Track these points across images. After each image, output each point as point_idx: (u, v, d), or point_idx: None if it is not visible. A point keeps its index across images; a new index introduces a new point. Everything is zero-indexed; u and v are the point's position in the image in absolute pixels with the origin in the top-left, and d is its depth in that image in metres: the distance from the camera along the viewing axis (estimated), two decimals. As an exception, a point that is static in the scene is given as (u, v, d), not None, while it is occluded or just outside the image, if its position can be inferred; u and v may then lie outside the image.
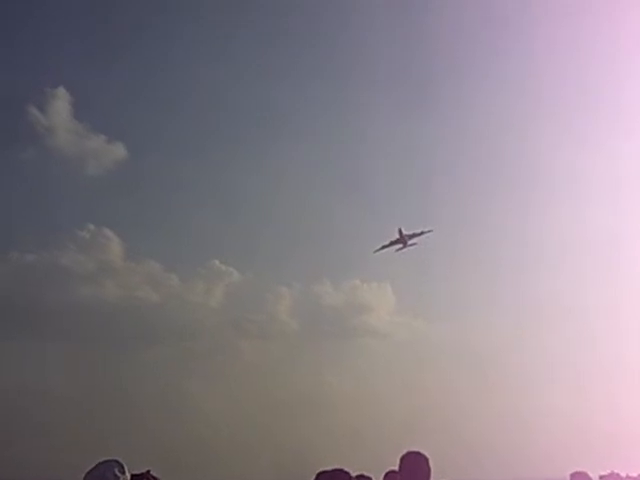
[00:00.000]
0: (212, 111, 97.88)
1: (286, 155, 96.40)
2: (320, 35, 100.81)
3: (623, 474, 15.24)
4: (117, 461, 8.83)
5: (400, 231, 55.37)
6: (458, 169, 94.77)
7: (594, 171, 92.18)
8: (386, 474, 11.23)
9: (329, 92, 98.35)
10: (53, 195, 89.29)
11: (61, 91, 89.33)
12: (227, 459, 73.23)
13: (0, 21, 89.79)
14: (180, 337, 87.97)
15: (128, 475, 8.70)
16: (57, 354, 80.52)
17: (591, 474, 12.73)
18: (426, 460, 10.02)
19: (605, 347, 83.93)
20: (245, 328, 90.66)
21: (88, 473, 8.65)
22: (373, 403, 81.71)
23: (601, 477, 15.08)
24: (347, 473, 9.26)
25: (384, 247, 56.36)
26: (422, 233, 56.05)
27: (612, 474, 15.22)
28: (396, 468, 10.15)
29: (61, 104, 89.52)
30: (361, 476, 10.88)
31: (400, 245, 56.46)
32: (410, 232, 55.75)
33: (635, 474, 15.32)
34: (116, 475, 8.60)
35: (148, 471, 9.28)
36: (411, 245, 56.69)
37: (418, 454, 10.09)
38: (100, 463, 8.80)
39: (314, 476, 9.18)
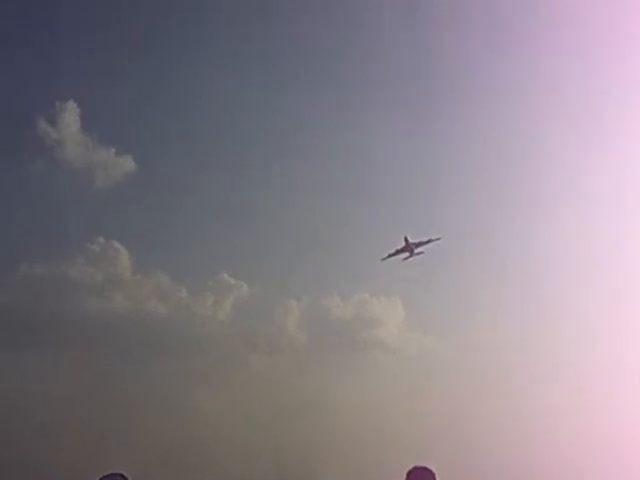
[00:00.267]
0: (221, 123, 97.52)
1: (294, 167, 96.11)
2: (329, 42, 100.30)
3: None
4: (122, 475, 8.72)
5: (406, 239, 54.95)
6: (466, 177, 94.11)
7: (601, 174, 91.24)
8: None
9: (337, 100, 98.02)
10: (62, 207, 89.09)
11: (71, 104, 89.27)
12: (234, 470, 72.91)
13: (9, 35, 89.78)
14: (188, 350, 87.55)
15: None
16: (65, 365, 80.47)
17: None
18: (433, 475, 9.88)
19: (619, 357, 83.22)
20: (254, 341, 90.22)
21: None
22: (381, 416, 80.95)
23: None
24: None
25: (390, 255, 56.03)
26: (429, 241, 55.64)
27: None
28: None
29: (70, 117, 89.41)
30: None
31: (407, 254, 56.09)
32: (417, 240, 55.38)
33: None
34: None
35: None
36: (418, 254, 56.35)
37: (425, 469, 9.96)
38: (105, 477, 8.69)
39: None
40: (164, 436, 75.40)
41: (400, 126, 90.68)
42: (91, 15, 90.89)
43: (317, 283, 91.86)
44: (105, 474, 8.82)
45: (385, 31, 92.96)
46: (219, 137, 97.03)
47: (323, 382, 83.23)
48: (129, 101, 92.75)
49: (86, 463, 62.98)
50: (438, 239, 56.54)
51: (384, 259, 56.94)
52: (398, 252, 56.07)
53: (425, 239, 55.92)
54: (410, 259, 57.47)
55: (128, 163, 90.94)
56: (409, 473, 9.94)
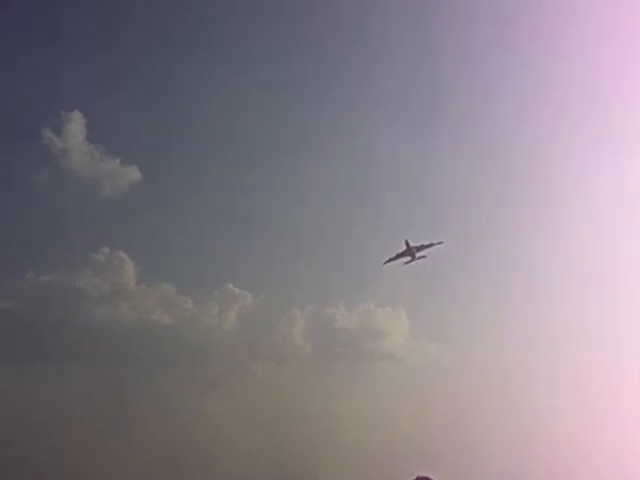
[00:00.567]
0: (225, 134, 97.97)
1: (299, 176, 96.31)
2: (333, 49, 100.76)
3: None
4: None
5: (407, 242, 54.49)
6: (470, 179, 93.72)
7: (604, 185, 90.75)
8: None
9: (341, 108, 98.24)
10: (68, 216, 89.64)
11: (76, 114, 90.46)
12: (239, 477, 72.65)
13: (16, 45, 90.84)
14: (194, 358, 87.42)
15: None
16: (71, 375, 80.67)
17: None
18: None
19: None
20: (258, 351, 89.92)
21: None
22: (386, 424, 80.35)
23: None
24: None
25: (391, 259, 55.58)
26: (431, 245, 55.19)
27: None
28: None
29: (76, 127, 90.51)
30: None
31: (409, 258, 55.62)
32: (418, 244, 54.88)
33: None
34: None
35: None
36: (420, 258, 55.87)
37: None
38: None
39: None
40: (170, 443, 75.22)
41: (405, 128, 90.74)
42: (97, 26, 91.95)
43: (322, 293, 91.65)
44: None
45: (391, 33, 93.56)
46: (224, 147, 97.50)
47: (328, 391, 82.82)
48: (134, 111, 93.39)
49: (87, 463, 63.14)
50: (440, 242, 56.06)
51: (385, 262, 56.48)
52: (399, 256, 55.63)
53: (427, 242, 55.41)
54: (412, 263, 56.91)
55: (134, 173, 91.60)
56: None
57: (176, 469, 72.75)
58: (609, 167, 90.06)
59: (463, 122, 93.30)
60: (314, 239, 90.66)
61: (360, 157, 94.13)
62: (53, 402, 76.42)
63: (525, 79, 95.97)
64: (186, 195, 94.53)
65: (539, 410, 75.79)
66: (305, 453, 74.64)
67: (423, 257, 56.40)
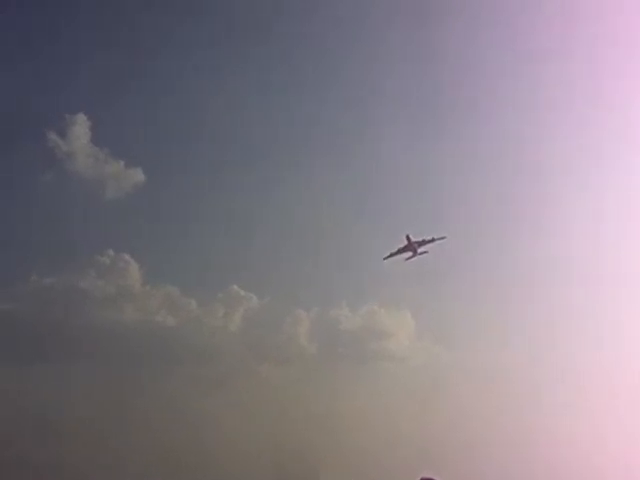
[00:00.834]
0: (229, 135, 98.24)
1: (302, 176, 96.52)
2: (333, 49, 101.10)
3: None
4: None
5: (408, 237, 54.23)
6: (472, 176, 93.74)
7: (605, 184, 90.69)
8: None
9: (341, 108, 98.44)
10: (72, 218, 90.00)
11: (81, 117, 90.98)
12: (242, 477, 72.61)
13: (20, 48, 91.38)
14: (198, 360, 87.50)
15: None
16: (76, 377, 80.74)
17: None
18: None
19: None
20: (263, 352, 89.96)
21: None
22: (389, 425, 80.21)
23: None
24: None
25: (392, 255, 55.38)
26: (433, 240, 54.86)
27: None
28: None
29: (80, 130, 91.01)
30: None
31: (410, 253, 55.43)
32: (419, 239, 54.63)
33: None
34: None
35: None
36: (422, 254, 55.69)
37: None
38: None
39: None
40: (174, 444, 75.26)
41: (406, 127, 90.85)
42: (101, 29, 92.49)
43: (326, 294, 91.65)
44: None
45: (391, 33, 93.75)
46: (227, 148, 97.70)
47: (332, 391, 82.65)
48: (138, 114, 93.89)
49: (88, 464, 63.14)
50: (442, 238, 55.76)
51: (386, 258, 56.26)
52: (400, 251, 55.34)
53: (429, 237, 55.13)
54: (414, 259, 56.68)
55: (138, 175, 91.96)
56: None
57: (179, 469, 72.72)
58: (610, 167, 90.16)
59: (463, 122, 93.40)
60: (318, 240, 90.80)
61: (361, 157, 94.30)
62: (56, 403, 76.70)
63: (526, 79, 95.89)
64: (190, 197, 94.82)
65: (541, 410, 75.57)
66: (309, 453, 74.40)
67: (425, 252, 56.11)
